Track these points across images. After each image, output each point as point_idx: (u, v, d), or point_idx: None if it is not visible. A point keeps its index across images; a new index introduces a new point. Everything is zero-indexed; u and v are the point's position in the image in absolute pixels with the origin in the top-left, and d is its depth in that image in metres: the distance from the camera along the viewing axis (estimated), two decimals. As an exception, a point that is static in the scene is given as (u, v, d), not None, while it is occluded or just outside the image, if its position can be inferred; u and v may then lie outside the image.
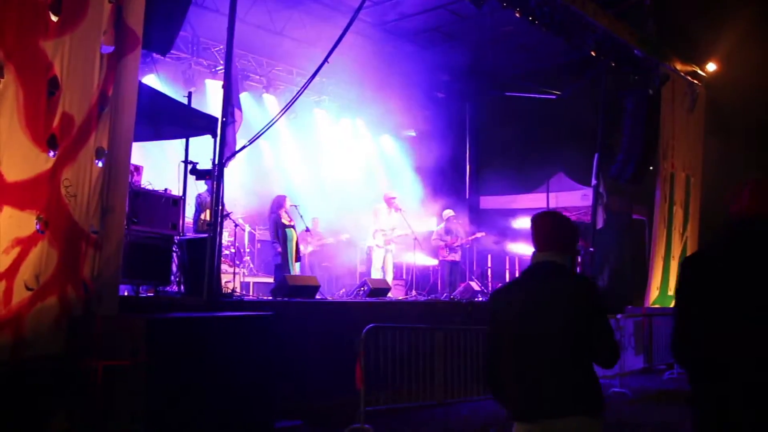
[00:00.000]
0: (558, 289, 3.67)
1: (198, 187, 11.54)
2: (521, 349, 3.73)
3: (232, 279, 11.64)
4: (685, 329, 3.41)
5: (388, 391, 8.41)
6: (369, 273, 13.70)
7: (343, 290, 13.65)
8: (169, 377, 5.98)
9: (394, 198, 14.03)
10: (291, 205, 13.00)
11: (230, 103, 8.92)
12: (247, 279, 13.42)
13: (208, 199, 10.74)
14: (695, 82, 16.02)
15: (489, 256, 17.72)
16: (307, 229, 13.17)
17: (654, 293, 15.05)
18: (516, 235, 17.61)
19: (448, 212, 15.13)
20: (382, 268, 13.74)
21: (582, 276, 3.78)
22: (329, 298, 11.46)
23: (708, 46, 15.49)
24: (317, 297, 10.43)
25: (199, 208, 11.63)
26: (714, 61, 15.75)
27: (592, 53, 13.20)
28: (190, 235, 10.25)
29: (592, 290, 3.61)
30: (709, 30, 14.77)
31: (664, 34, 14.56)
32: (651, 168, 15.13)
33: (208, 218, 10.59)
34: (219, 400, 6.46)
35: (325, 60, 9.45)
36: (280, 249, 12.33)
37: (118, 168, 6.81)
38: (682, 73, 15.61)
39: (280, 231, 12.50)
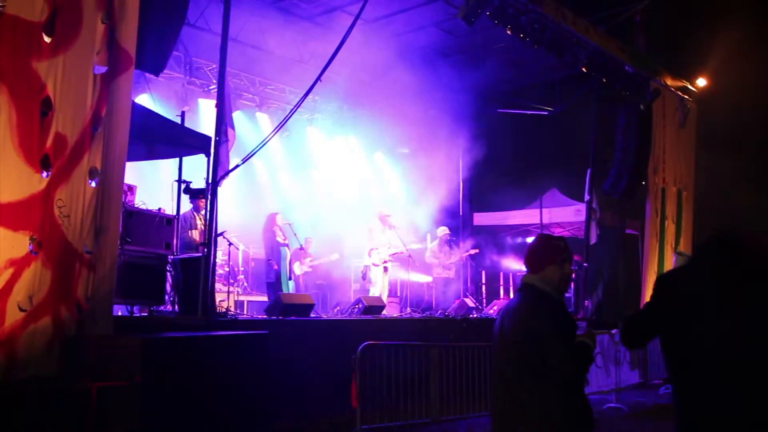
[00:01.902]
0: (516, 311, 3.88)
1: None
2: (494, 370, 4.00)
3: (226, 298, 11.61)
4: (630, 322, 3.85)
5: (383, 409, 8.37)
6: (366, 291, 13.66)
7: (338, 308, 13.63)
8: (165, 397, 5.94)
9: (388, 216, 14.03)
10: (285, 223, 13.00)
11: (223, 122, 8.93)
12: (241, 298, 13.39)
13: (192, 218, 10.72)
14: (686, 97, 16.12)
15: (483, 273, 17.72)
16: (301, 248, 13.16)
17: (648, 308, 15.04)
18: (510, 251, 17.64)
19: (443, 229, 15.14)
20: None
21: (535, 297, 3.85)
22: (324, 317, 11.43)
23: (698, 62, 15.60)
24: (312, 315, 10.40)
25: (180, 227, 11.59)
26: (704, 77, 15.86)
27: (584, 69, 13.27)
28: (184, 254, 10.22)
29: (537, 312, 3.76)
30: (699, 46, 14.89)
31: (655, 49, 14.65)
32: (643, 183, 15.18)
33: (192, 237, 10.57)
34: (214, 419, 6.42)
35: (318, 78, 9.48)
36: (276, 266, 12.33)
37: (112, 188, 6.81)
38: (673, 89, 15.70)
39: (275, 249, 12.51)
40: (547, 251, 3.97)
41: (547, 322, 3.70)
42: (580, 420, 3.70)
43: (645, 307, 3.80)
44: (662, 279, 3.86)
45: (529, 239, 18.18)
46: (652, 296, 3.76)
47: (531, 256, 3.99)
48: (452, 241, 15.47)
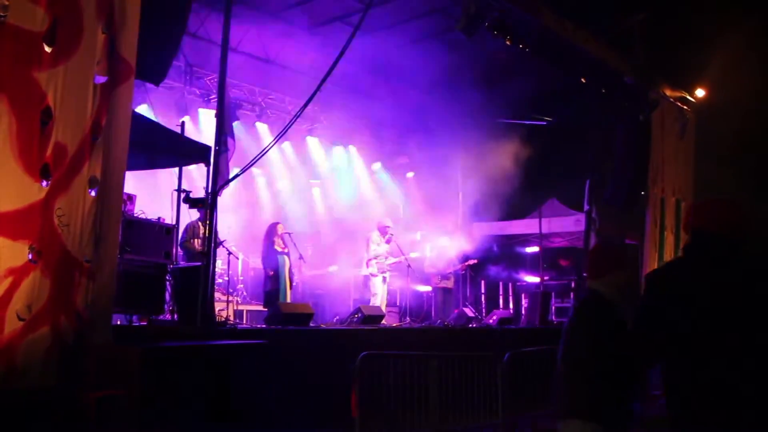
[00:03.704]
0: (573, 313, 4.23)
1: (191, 216, 11.54)
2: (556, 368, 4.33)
3: (225, 307, 11.60)
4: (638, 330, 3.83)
5: (383, 418, 8.35)
6: (366, 301, 13.65)
7: (337, 317, 13.62)
8: (164, 407, 5.94)
9: (388, 227, 14.04)
10: (284, 233, 13.01)
11: (223, 131, 8.95)
12: (240, 307, 13.39)
13: (198, 226, 10.74)
14: (685, 107, 16.14)
15: (482, 283, 17.71)
16: (301, 257, 13.16)
17: (648, 318, 15.01)
18: (510, 261, 17.63)
19: (442, 239, 15.15)
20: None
21: (587, 301, 4.22)
22: (323, 326, 11.42)
23: (697, 73, 15.62)
24: (311, 325, 10.40)
25: (185, 235, 11.63)
26: (703, 87, 15.87)
27: (583, 80, 13.29)
28: (183, 263, 10.23)
29: (587, 313, 4.12)
30: (698, 57, 14.91)
31: (654, 60, 14.68)
32: (643, 193, 15.19)
33: (197, 246, 10.57)
34: (213, 429, 6.41)
35: (318, 88, 9.49)
36: (272, 272, 12.35)
37: (111, 197, 6.81)
38: (672, 99, 15.72)
39: (272, 258, 12.51)
40: (612, 256, 4.25)
41: (592, 325, 4.03)
42: (618, 420, 3.97)
43: (643, 317, 3.81)
44: (651, 279, 3.91)
45: (529, 249, 18.18)
46: (645, 300, 3.80)
47: (596, 262, 4.24)
48: (450, 250, 15.47)
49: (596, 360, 3.93)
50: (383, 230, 13.96)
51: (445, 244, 15.17)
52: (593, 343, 3.96)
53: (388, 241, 13.89)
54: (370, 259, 13.70)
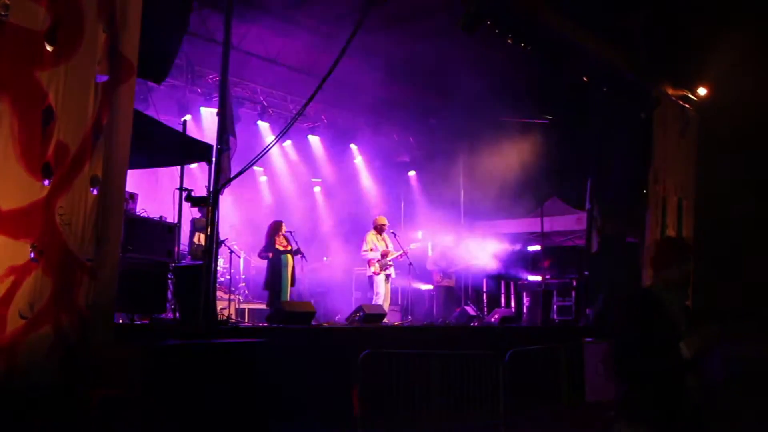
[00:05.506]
0: (621, 311, 4.23)
1: (193, 213, 11.57)
2: None
3: (227, 306, 11.61)
4: None
5: (385, 417, 8.36)
6: (367, 299, 13.64)
7: (339, 316, 13.62)
8: (166, 405, 5.94)
9: (384, 224, 14.03)
10: (286, 231, 13.02)
11: (225, 130, 8.94)
12: (242, 306, 13.40)
13: (203, 221, 10.77)
14: (687, 106, 16.11)
15: (484, 281, 17.70)
16: (302, 255, 13.17)
17: (649, 316, 15.02)
18: (511, 260, 17.62)
19: (447, 239, 15.15)
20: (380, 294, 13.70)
21: (632, 296, 4.27)
22: (325, 325, 11.43)
23: (699, 71, 15.59)
24: (313, 323, 10.40)
25: (193, 229, 11.65)
26: (705, 86, 15.84)
27: (585, 79, 13.27)
28: (185, 262, 10.24)
29: (624, 310, 4.15)
30: (700, 55, 14.89)
31: (655, 58, 14.66)
32: (644, 191, 15.18)
33: (201, 242, 10.59)
34: (215, 427, 6.42)
35: (319, 87, 9.48)
36: (278, 272, 12.38)
37: (113, 196, 6.81)
38: (674, 98, 15.70)
39: (276, 256, 12.51)
40: (665, 252, 4.23)
41: (624, 320, 4.05)
42: (665, 421, 3.91)
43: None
44: None
45: (531, 247, 18.16)
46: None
47: (662, 254, 4.23)
48: (453, 249, 15.47)
49: (644, 362, 3.90)
50: (380, 228, 13.95)
51: (447, 242, 15.16)
52: (641, 345, 3.91)
53: (388, 235, 13.89)
54: (370, 259, 13.68)
